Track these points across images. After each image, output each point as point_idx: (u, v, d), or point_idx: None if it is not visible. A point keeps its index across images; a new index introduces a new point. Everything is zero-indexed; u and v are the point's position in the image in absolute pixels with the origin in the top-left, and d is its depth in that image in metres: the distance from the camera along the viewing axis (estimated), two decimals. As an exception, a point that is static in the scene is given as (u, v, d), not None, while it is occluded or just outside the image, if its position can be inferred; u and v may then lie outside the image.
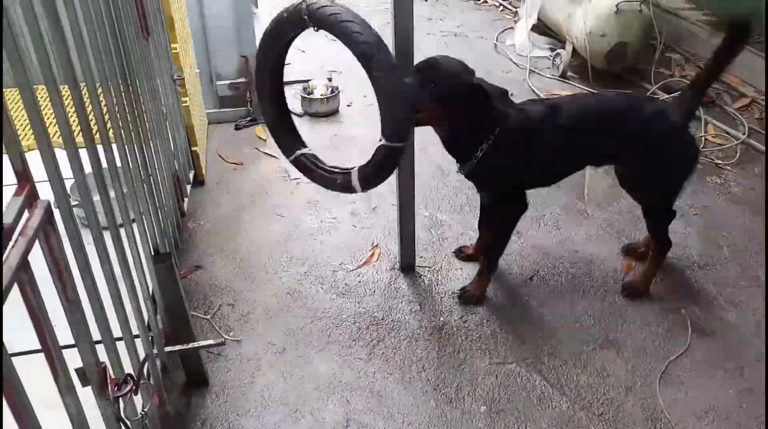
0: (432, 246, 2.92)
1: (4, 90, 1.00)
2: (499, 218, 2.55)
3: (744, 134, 3.73)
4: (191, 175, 3.22)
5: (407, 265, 2.78)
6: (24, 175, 0.98)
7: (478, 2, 6.30)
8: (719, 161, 3.56)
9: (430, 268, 2.78)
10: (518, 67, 4.80)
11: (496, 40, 5.29)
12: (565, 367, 2.31)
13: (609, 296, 2.62)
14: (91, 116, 1.49)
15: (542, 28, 5.13)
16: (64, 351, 1.09)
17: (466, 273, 2.75)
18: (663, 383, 2.24)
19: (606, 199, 3.24)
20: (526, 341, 2.41)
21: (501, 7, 6.05)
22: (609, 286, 2.67)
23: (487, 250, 2.66)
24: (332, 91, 4.11)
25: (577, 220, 3.09)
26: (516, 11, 5.66)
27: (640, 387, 2.23)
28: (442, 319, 2.52)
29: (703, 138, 3.76)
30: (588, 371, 2.29)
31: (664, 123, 2.29)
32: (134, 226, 1.80)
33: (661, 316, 2.52)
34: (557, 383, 2.24)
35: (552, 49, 4.87)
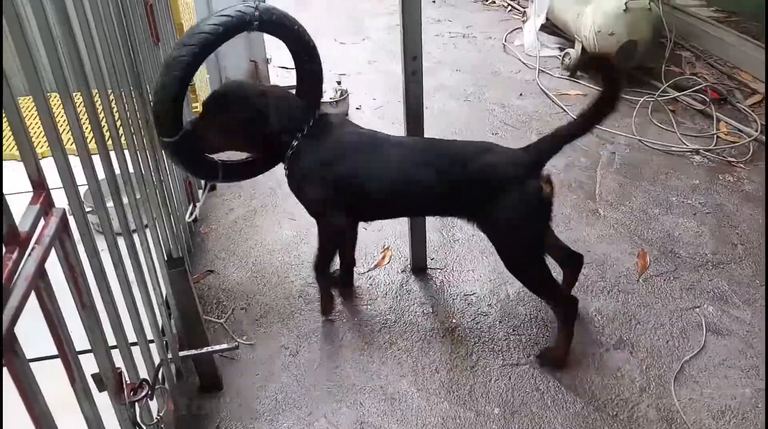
0: (443, 247, 2.91)
1: (19, 98, 1.02)
2: (319, 235, 2.37)
3: (757, 131, 3.70)
4: (203, 180, 3.24)
5: (419, 267, 2.78)
6: (39, 184, 0.99)
7: (486, 3, 6.29)
8: (732, 159, 3.53)
9: (441, 269, 2.78)
10: (527, 67, 4.79)
11: (505, 41, 5.29)
12: (578, 367, 2.30)
13: (622, 296, 2.60)
14: (103, 123, 1.50)
15: (551, 27, 5.12)
16: (80, 356, 1.11)
17: (477, 274, 2.74)
18: (678, 383, 2.23)
19: (618, 199, 3.23)
20: (539, 342, 2.40)
21: (509, 8, 6.04)
22: (622, 286, 2.66)
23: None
24: (341, 94, 4.12)
25: (589, 220, 3.08)
26: (524, 11, 5.65)
27: (654, 387, 2.22)
28: (454, 321, 2.52)
29: (715, 136, 3.73)
30: (602, 372, 2.28)
31: (500, 174, 2.05)
32: (147, 231, 1.81)
33: (675, 316, 2.50)
34: (571, 384, 2.23)
35: (561, 49, 4.86)
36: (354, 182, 2.16)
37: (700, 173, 3.42)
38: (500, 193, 2.04)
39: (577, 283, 2.67)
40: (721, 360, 2.31)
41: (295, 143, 2.18)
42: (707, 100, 4.01)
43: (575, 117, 2.07)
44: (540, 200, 2.06)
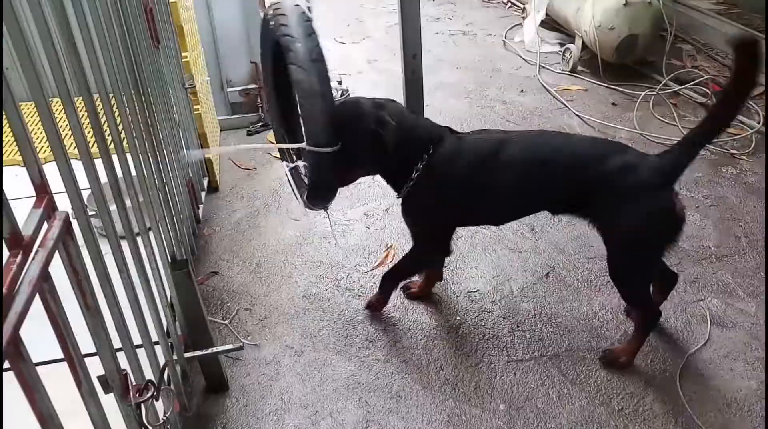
0: (446, 245, 2.91)
1: (21, 104, 1.02)
2: (412, 250, 2.36)
3: (759, 123, 3.69)
4: (205, 182, 3.25)
5: (422, 265, 2.78)
6: (42, 188, 1.00)
7: (486, 0, 6.29)
8: (734, 151, 3.52)
9: (445, 266, 2.78)
10: (528, 64, 4.78)
11: (505, 38, 5.28)
12: (583, 362, 2.30)
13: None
14: (105, 127, 1.51)
15: (551, 23, 5.11)
16: (86, 359, 1.11)
17: (481, 271, 2.75)
18: (683, 377, 2.23)
19: (620, 193, 3.22)
20: (543, 338, 2.40)
21: (508, 4, 6.04)
22: (626, 280, 2.65)
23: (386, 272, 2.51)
24: (342, 94, 4.12)
25: (592, 215, 3.07)
26: (524, 8, 5.64)
27: (659, 381, 2.22)
28: (458, 318, 2.52)
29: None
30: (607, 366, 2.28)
31: (632, 179, 1.94)
32: (151, 234, 1.82)
33: (679, 310, 2.50)
34: (576, 379, 2.24)
35: (561, 45, 4.85)
36: (472, 202, 2.12)
37: (702, 166, 3.42)
38: (631, 199, 1.94)
39: (579, 279, 2.68)
40: (726, 352, 2.31)
41: (414, 175, 2.11)
42: (709, 92, 4.00)
43: (702, 119, 1.93)
44: (671, 214, 1.96)
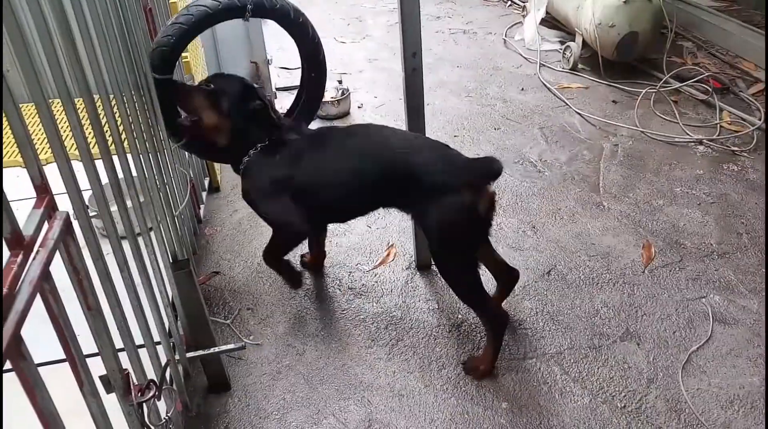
0: (448, 244, 2.91)
1: (21, 105, 1.02)
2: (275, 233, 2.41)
3: (760, 120, 3.68)
4: (206, 182, 3.25)
5: (423, 264, 2.78)
6: (43, 188, 1.00)
7: (486, -2, 6.28)
8: (735, 148, 3.52)
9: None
10: (528, 62, 4.78)
11: (505, 36, 5.28)
12: (585, 360, 2.30)
13: (628, 288, 2.60)
14: (105, 127, 1.51)
15: (551, 21, 5.11)
16: (88, 359, 1.11)
17: (483, 269, 2.74)
18: (685, 374, 2.22)
19: (621, 191, 3.22)
20: (545, 336, 2.40)
21: (509, 3, 6.03)
22: (627, 278, 2.66)
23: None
24: (342, 93, 4.12)
25: (593, 212, 3.07)
26: (524, 6, 5.64)
27: (662, 378, 2.22)
28: (460, 316, 2.52)
29: (718, 125, 3.72)
30: (609, 364, 2.28)
31: (437, 177, 2.02)
32: (152, 234, 1.82)
33: (681, 307, 2.50)
34: (578, 377, 2.23)
35: (562, 43, 4.85)
36: (304, 188, 2.19)
37: (703, 163, 3.42)
38: (436, 195, 2.01)
39: (581, 276, 2.68)
40: (729, 349, 2.31)
41: (246, 159, 2.24)
42: (710, 89, 3.99)
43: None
44: (472, 212, 2.02)
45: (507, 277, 2.44)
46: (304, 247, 2.81)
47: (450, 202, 2.01)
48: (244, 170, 2.29)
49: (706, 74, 4.15)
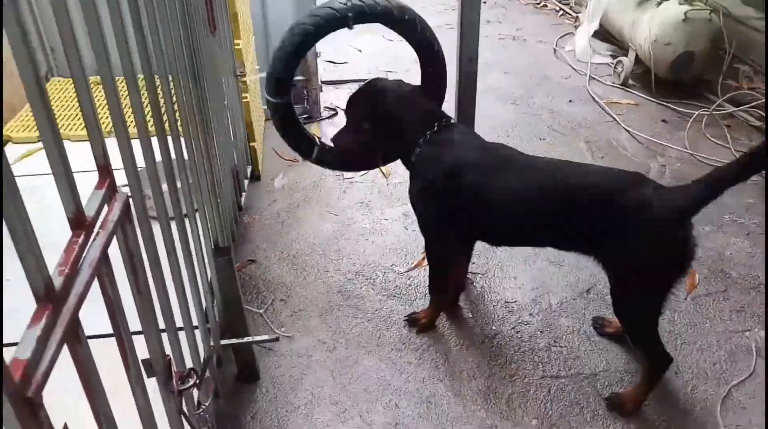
0: (485, 252, 2.87)
1: (88, 77, 1.01)
2: (427, 254, 2.39)
3: (817, 151, 3.55)
4: (249, 170, 3.25)
5: (460, 271, 2.74)
6: (105, 169, 0.99)
7: (538, 6, 6.20)
8: (789, 179, 3.41)
9: (482, 274, 2.74)
10: (578, 73, 4.70)
11: (556, 45, 5.20)
12: (620, 384, 2.24)
13: (668, 314, 2.53)
14: (162, 108, 1.50)
15: (604, 34, 5.02)
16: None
17: (520, 282, 2.70)
18: (724, 408, 2.15)
19: (667, 213, 3.14)
20: (580, 355, 2.35)
21: (561, 12, 5.94)
22: (669, 304, 2.56)
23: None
24: (388, 91, 4.09)
25: (637, 233, 2.99)
26: (577, 16, 5.55)
27: (699, 411, 2.15)
28: (494, 327, 2.48)
29: (772, 154, 3.60)
30: (644, 390, 2.22)
31: (645, 216, 1.84)
32: (197, 217, 1.81)
33: (723, 339, 2.42)
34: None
35: (613, 56, 4.76)
36: (472, 200, 2.07)
37: (754, 192, 3.31)
38: (646, 235, 1.85)
39: (622, 298, 2.61)
40: (771, 387, 2.23)
41: (418, 150, 2.14)
42: (764, 116, 3.87)
43: (733, 161, 1.85)
44: (685, 251, 1.86)
45: None
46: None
47: (663, 239, 1.85)
48: (416, 157, 2.16)
49: (762, 100, 4.02)
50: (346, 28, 2.25)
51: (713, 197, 1.82)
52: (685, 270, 1.91)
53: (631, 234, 1.86)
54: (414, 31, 2.35)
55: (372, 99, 2.22)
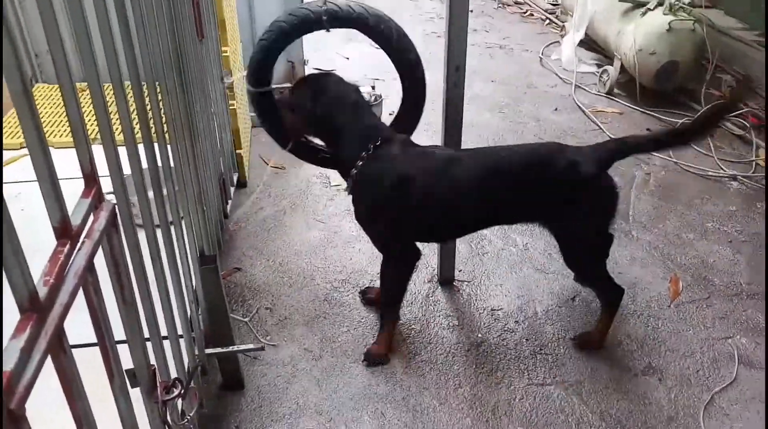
0: (472, 260, 2.88)
1: (75, 84, 1.01)
2: (382, 266, 2.34)
3: (797, 161, 3.61)
4: (235, 178, 3.24)
5: (446, 279, 2.75)
6: (91, 177, 0.98)
7: (524, 15, 6.25)
8: (770, 187, 3.45)
9: (469, 282, 2.75)
10: (564, 82, 4.74)
11: (542, 54, 5.24)
12: (605, 391, 2.25)
13: (652, 321, 2.55)
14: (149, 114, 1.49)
15: (589, 43, 5.07)
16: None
17: (506, 289, 2.71)
18: (707, 415, 2.17)
19: (651, 221, 3.17)
20: (566, 363, 2.36)
21: (547, 21, 5.99)
22: (653, 311, 2.61)
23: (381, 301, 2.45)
24: (375, 99, 4.09)
25: (622, 241, 3.02)
26: (563, 25, 5.60)
27: (682, 417, 2.17)
28: (480, 335, 2.48)
29: (754, 162, 3.66)
30: (629, 397, 2.23)
31: (574, 174, 2.09)
32: (182, 226, 1.80)
33: (706, 345, 2.45)
34: (597, 408, 2.19)
35: (599, 66, 4.80)
36: (423, 205, 2.13)
37: (737, 200, 3.35)
38: (580, 191, 2.12)
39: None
40: (754, 394, 2.25)
41: (359, 164, 2.13)
42: (747, 125, 3.93)
43: (650, 132, 2.14)
44: (614, 194, 2.18)
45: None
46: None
47: (597, 192, 2.16)
48: (357, 175, 2.16)
49: (745, 109, 4.08)
50: (324, 30, 2.29)
51: (625, 156, 2.23)
52: (615, 211, 2.23)
53: (568, 192, 2.12)
54: (389, 40, 2.37)
55: (313, 97, 2.18)
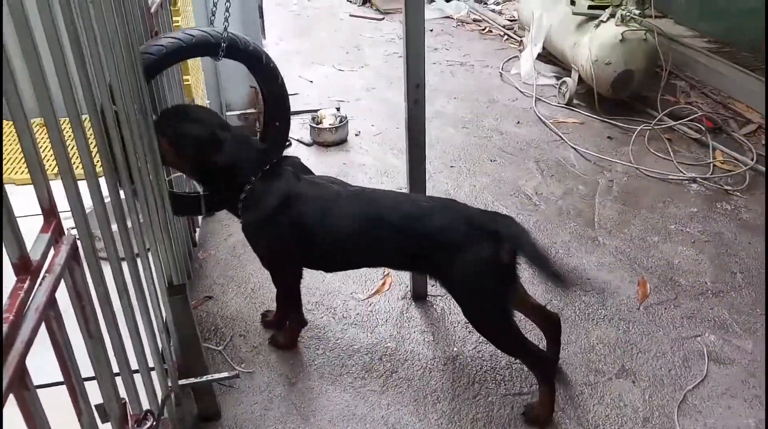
0: (443, 275, 2.90)
1: (30, 119, 1.01)
2: (275, 284, 2.44)
3: (752, 160, 3.73)
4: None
5: (419, 294, 2.76)
6: (51, 212, 0.98)
7: (483, 32, 6.37)
8: (728, 187, 3.55)
9: (442, 296, 2.77)
10: (524, 95, 4.83)
11: (502, 69, 5.34)
12: (581, 397, 2.28)
13: (623, 325, 2.59)
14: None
15: (547, 56, 5.18)
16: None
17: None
18: (681, 413, 2.21)
19: (616, 226, 3.23)
20: (541, 371, 2.38)
21: (506, 37, 6.12)
22: (623, 314, 2.65)
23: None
24: (341, 121, 4.13)
25: (588, 247, 3.08)
26: (521, 40, 5.72)
27: (657, 417, 2.20)
28: (455, 349, 2.50)
29: (711, 164, 3.76)
30: (604, 401, 2.26)
31: (453, 234, 1.99)
32: (150, 257, 1.79)
33: (676, 345, 2.49)
34: (573, 414, 2.21)
35: (557, 77, 4.91)
36: (308, 233, 2.12)
37: (697, 201, 3.44)
38: (455, 253, 1.98)
39: (576, 312, 2.66)
40: (724, 390, 2.30)
41: (248, 187, 2.13)
42: (703, 128, 4.05)
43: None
44: (495, 261, 1.97)
45: (547, 323, 2.33)
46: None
47: (472, 256, 1.97)
48: (244, 203, 2.16)
49: (700, 113, 4.21)
50: (214, 58, 2.20)
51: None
52: (509, 279, 2.06)
53: (442, 256, 2.00)
54: (274, 81, 2.36)
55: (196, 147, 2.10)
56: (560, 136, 4.17)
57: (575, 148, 4.00)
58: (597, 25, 4.35)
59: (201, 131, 2.10)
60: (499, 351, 2.44)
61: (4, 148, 3.31)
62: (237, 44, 2.19)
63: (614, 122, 4.31)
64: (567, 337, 2.53)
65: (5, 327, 0.77)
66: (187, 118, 2.15)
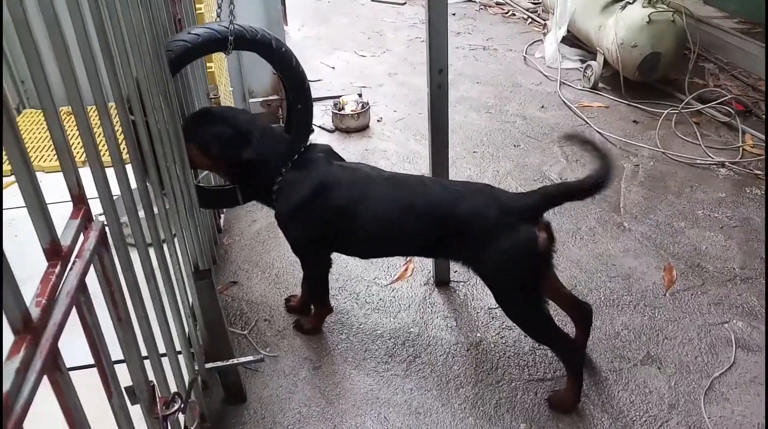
0: (466, 260, 2.89)
1: (58, 108, 1.02)
2: (305, 272, 2.48)
3: (783, 144, 3.65)
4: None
5: (441, 280, 2.77)
6: (80, 198, 1.00)
7: (506, 15, 6.29)
8: (758, 172, 3.48)
9: (464, 282, 2.77)
10: (549, 80, 4.77)
11: (525, 53, 5.28)
12: (605, 383, 2.27)
13: (648, 311, 2.57)
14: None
15: (572, 39, 5.10)
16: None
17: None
18: (708, 400, 2.19)
19: (642, 212, 3.19)
20: (565, 357, 2.37)
21: (529, 20, 6.03)
22: (648, 300, 2.62)
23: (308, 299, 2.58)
24: (362, 107, 4.13)
25: (614, 233, 3.05)
26: (545, 23, 5.64)
27: (683, 404, 2.18)
28: (478, 334, 2.50)
29: (741, 148, 3.69)
30: (629, 388, 2.25)
31: (487, 219, 1.97)
32: (176, 242, 1.81)
33: (703, 331, 2.47)
34: (598, 400, 2.20)
35: (582, 61, 4.84)
36: (341, 220, 2.14)
37: (726, 186, 3.38)
38: (489, 238, 1.96)
39: (601, 298, 2.65)
40: (752, 377, 2.27)
41: (279, 179, 2.17)
42: (732, 112, 3.96)
43: (580, 180, 2.03)
44: (532, 248, 1.95)
45: (578, 312, 2.28)
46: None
47: (507, 242, 1.95)
48: (278, 192, 2.20)
49: (729, 96, 4.12)
50: (224, 53, 2.21)
51: (551, 206, 2.05)
52: (545, 265, 2.06)
53: (476, 242, 1.99)
54: (289, 65, 2.34)
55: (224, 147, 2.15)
56: (585, 121, 4.11)
57: (600, 133, 3.95)
58: (623, 7, 4.26)
59: (227, 132, 2.14)
60: (522, 336, 2.45)
61: (33, 137, 3.37)
62: (245, 35, 2.18)
63: (640, 106, 4.24)
64: (592, 323, 2.51)
65: (38, 310, 0.79)
66: (211, 121, 2.17)
